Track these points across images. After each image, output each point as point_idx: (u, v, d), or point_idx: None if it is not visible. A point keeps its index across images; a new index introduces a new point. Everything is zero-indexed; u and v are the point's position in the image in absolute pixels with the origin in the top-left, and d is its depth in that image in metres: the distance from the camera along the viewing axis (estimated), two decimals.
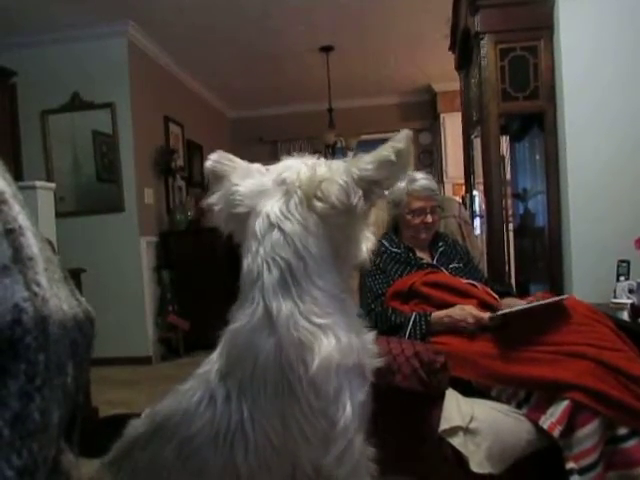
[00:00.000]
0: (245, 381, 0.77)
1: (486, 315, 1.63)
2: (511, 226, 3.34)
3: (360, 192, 0.85)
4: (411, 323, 1.70)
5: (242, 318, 0.82)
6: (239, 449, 0.75)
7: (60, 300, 0.45)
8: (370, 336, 0.89)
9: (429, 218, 1.99)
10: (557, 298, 1.68)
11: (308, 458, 0.76)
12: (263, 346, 0.77)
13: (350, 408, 0.76)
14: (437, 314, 1.70)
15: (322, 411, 0.75)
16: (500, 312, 1.64)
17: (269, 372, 0.76)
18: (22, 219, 0.43)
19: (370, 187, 0.85)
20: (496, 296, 1.85)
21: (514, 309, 1.63)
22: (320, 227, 0.85)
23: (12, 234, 0.41)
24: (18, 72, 4.18)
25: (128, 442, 0.85)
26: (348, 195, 0.83)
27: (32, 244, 0.43)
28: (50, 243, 2.19)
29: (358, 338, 0.83)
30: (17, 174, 4.10)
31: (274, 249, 0.84)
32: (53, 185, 3.18)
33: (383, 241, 2.04)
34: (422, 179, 2.03)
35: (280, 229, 0.85)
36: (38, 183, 2.94)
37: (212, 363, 0.83)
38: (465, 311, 1.65)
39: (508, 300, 1.83)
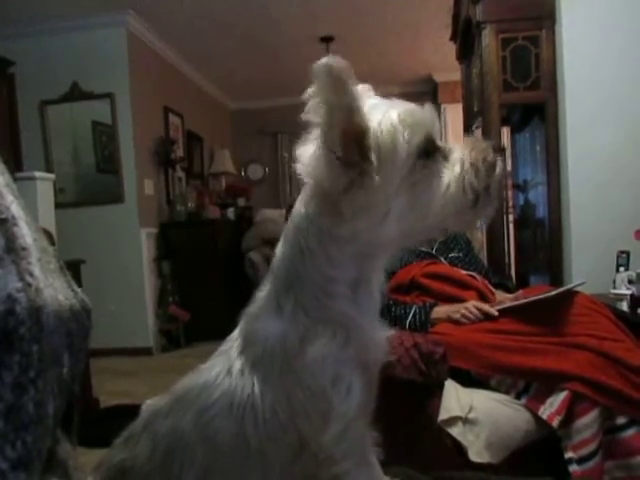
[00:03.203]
0: (256, 360, 0.80)
1: (493, 310, 1.64)
2: (511, 217, 3.33)
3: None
4: (411, 315, 1.70)
5: (258, 301, 0.85)
6: (249, 420, 0.78)
7: (55, 291, 0.45)
8: (383, 332, 0.86)
9: None
10: (569, 287, 1.68)
11: (311, 435, 0.78)
12: (272, 332, 0.80)
13: (347, 395, 0.77)
14: (440, 310, 1.70)
15: (321, 394, 0.77)
16: (509, 304, 1.65)
17: (275, 355, 0.79)
18: (15, 209, 0.43)
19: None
20: (493, 289, 1.85)
21: (523, 301, 1.63)
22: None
23: (5, 224, 0.41)
24: (16, 62, 4.15)
25: (147, 416, 0.87)
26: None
27: (26, 234, 0.43)
28: (49, 234, 2.17)
29: (365, 333, 0.82)
30: (16, 165, 4.09)
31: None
32: (53, 176, 3.18)
33: None
34: None
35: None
36: (37, 174, 2.94)
37: (233, 341, 0.86)
38: (470, 309, 1.65)
39: (498, 296, 1.83)
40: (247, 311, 0.87)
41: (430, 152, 0.79)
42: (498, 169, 0.81)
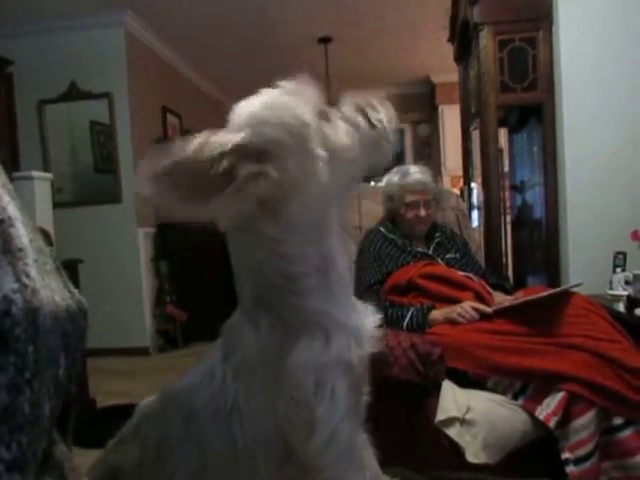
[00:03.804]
0: (237, 370, 0.79)
1: (489, 308, 1.65)
2: (508, 218, 3.34)
3: None
4: (408, 317, 1.71)
5: (239, 311, 0.84)
6: (236, 425, 0.77)
7: (52, 292, 0.44)
8: (367, 321, 0.84)
9: (422, 212, 2.00)
10: (566, 287, 1.69)
11: (297, 443, 0.77)
12: (251, 341, 0.79)
13: (332, 400, 0.76)
14: (437, 314, 1.70)
15: (304, 402, 0.75)
16: (507, 304, 1.65)
17: (256, 365, 0.78)
18: (12, 209, 0.43)
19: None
20: (490, 290, 1.85)
21: (520, 300, 1.64)
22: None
23: (1, 225, 0.41)
24: (15, 61, 4.15)
25: (138, 419, 0.88)
26: None
27: (22, 235, 0.43)
28: (46, 234, 2.16)
29: (345, 327, 0.81)
30: (14, 164, 4.09)
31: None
32: (50, 175, 3.17)
33: (380, 227, 2.07)
34: (415, 173, 2.04)
35: None
36: (35, 173, 2.93)
37: (217, 347, 0.85)
38: (466, 309, 1.65)
39: (497, 297, 1.84)
40: (230, 318, 0.86)
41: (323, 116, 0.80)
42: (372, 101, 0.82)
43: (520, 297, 1.73)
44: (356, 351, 0.80)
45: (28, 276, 0.41)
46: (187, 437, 0.80)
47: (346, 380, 0.78)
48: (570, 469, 1.38)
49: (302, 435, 0.76)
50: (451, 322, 1.65)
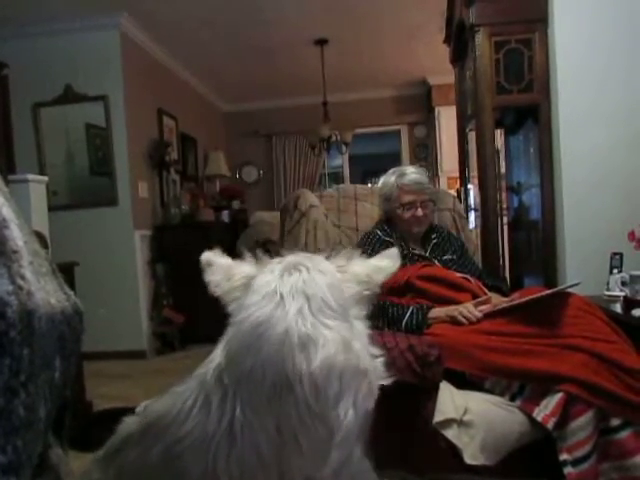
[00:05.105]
0: (244, 374, 0.71)
1: (490, 309, 1.65)
2: (505, 219, 3.34)
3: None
4: (408, 315, 1.70)
5: (256, 295, 0.80)
6: (221, 455, 0.71)
7: (47, 294, 0.44)
8: (379, 360, 0.83)
9: (419, 212, 2.00)
10: (564, 286, 1.69)
11: (299, 470, 0.70)
12: (270, 333, 0.72)
13: (353, 416, 0.69)
14: (438, 311, 1.70)
15: (321, 416, 0.68)
16: (506, 305, 1.65)
17: (270, 364, 0.70)
18: (6, 211, 0.43)
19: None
20: (487, 291, 1.85)
21: (519, 301, 1.64)
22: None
23: None
24: (9, 64, 4.12)
25: (120, 439, 0.84)
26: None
27: (17, 237, 0.42)
28: (42, 237, 2.15)
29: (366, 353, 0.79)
30: (9, 167, 4.06)
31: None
32: (46, 178, 3.15)
33: (376, 230, 2.06)
34: (412, 173, 2.04)
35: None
36: (30, 176, 2.92)
37: (212, 360, 0.79)
38: (469, 309, 1.66)
39: (493, 299, 1.84)
40: (237, 319, 0.80)
41: None
42: None
43: (516, 298, 1.73)
44: (376, 378, 0.79)
45: (23, 278, 0.41)
46: (164, 468, 0.74)
47: (370, 399, 0.74)
48: (568, 470, 1.37)
49: (309, 461, 0.69)
50: (452, 319, 1.65)
